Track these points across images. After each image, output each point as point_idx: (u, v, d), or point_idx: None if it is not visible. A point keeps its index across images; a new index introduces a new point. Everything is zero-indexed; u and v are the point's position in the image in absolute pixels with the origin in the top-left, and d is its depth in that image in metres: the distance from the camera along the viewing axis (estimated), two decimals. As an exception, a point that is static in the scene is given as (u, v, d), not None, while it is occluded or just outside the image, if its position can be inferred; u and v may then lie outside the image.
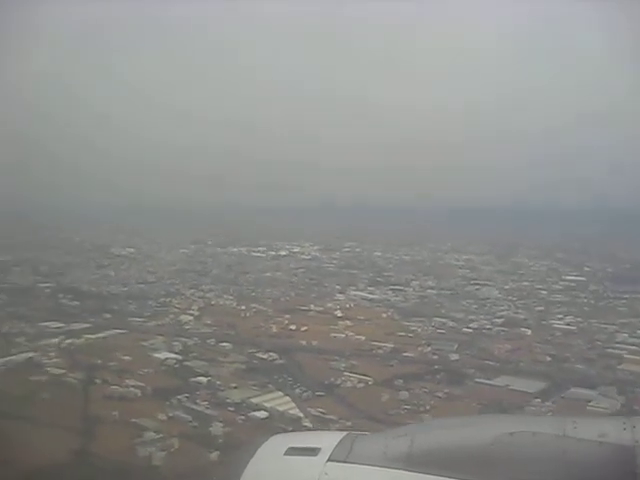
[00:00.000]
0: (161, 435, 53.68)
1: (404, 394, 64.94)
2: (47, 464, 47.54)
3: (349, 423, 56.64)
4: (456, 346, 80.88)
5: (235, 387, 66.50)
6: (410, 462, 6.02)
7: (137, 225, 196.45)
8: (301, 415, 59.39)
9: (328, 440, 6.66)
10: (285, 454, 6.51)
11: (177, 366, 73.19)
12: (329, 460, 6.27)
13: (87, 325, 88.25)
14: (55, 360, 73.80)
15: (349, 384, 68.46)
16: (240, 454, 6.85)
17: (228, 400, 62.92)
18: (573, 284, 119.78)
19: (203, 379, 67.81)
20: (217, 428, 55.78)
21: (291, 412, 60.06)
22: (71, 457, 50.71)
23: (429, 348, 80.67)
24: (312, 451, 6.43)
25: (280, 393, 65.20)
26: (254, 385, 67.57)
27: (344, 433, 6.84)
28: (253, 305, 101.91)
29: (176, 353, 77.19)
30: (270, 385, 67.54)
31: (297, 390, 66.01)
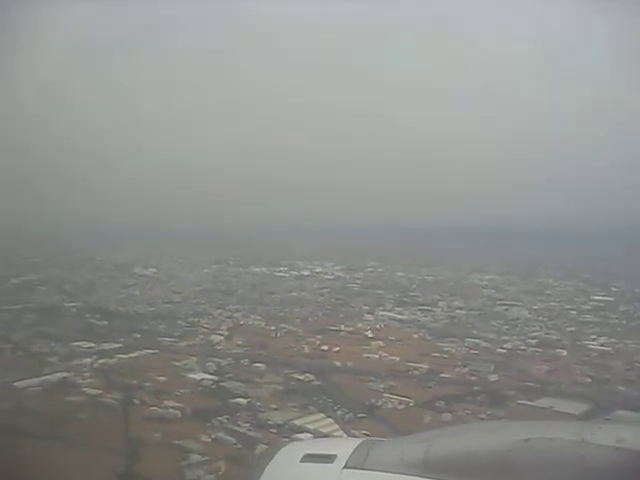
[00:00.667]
0: (207, 458, 52.67)
1: (447, 416, 63.64)
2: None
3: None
4: (493, 367, 79.74)
5: (275, 409, 65.44)
6: (427, 468, 5.98)
7: (154, 245, 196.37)
8: (347, 436, 58.06)
9: (344, 447, 6.67)
10: (301, 461, 6.48)
11: (214, 387, 72.32)
12: (345, 467, 6.24)
13: (118, 345, 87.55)
14: (90, 380, 73.08)
15: (390, 405, 67.37)
16: (256, 461, 6.92)
17: (270, 422, 61.90)
18: (602, 304, 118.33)
19: (242, 400, 66.86)
20: (262, 449, 54.56)
21: (335, 434, 58.83)
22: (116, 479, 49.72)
23: (466, 369, 79.51)
24: (328, 458, 6.39)
25: (322, 415, 64.12)
26: (294, 407, 66.52)
27: (360, 439, 6.86)
28: (282, 325, 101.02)
29: (211, 374, 76.32)
30: (311, 407, 66.35)
31: (339, 412, 64.82)
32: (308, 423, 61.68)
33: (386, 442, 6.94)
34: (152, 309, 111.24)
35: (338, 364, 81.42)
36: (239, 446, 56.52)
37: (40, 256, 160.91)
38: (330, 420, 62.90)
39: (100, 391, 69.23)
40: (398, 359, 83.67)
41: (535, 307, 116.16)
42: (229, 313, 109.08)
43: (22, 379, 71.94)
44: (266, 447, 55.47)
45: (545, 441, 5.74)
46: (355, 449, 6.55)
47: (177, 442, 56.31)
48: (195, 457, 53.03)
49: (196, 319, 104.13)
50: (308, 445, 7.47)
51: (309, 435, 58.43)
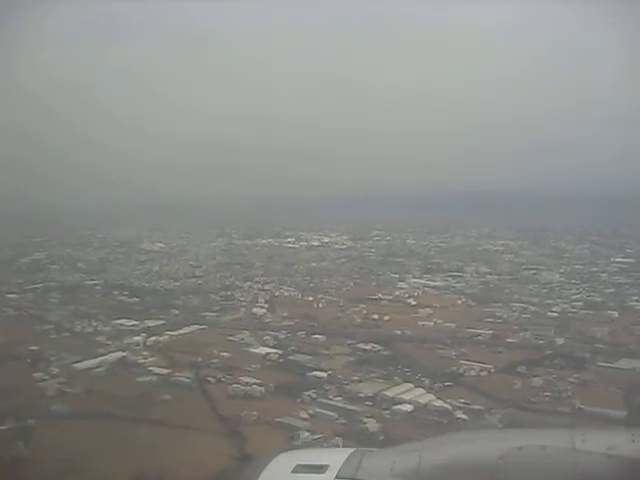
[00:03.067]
0: (321, 434, 49.95)
1: (537, 381, 62.20)
2: (218, 471, 43.58)
3: (498, 415, 54.07)
4: (553, 330, 78.55)
5: (360, 381, 63.07)
6: (419, 478, 5.91)
7: (152, 221, 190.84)
8: (447, 407, 56.18)
9: (336, 457, 6.56)
10: (293, 471, 6.41)
11: (282, 361, 69.54)
12: (337, 477, 6.20)
13: (161, 322, 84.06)
14: (151, 359, 69.73)
15: (472, 373, 65.47)
16: (248, 472, 6.78)
17: (361, 394, 59.53)
18: (626, 266, 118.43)
19: (321, 374, 64.26)
20: (372, 424, 52.30)
21: (436, 404, 56.89)
22: (235, 463, 46.70)
23: (527, 333, 78.10)
24: (320, 468, 6.34)
25: (410, 385, 61.96)
26: (377, 377, 64.26)
27: (351, 450, 6.73)
28: (319, 296, 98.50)
29: (273, 348, 73.42)
30: (395, 377, 64.14)
31: (426, 381, 62.72)
32: (401, 394, 59.51)
33: (377, 452, 6.90)
34: (178, 284, 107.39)
35: (398, 332, 79.20)
36: (342, 421, 53.96)
37: (42, 235, 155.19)
38: (421, 390, 60.78)
39: (168, 370, 65.78)
40: (454, 325, 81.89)
41: (561, 270, 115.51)
42: (259, 285, 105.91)
43: (79, 360, 68.22)
44: (374, 421, 53.58)
45: (537, 449, 5.71)
46: (347, 459, 6.47)
47: (278, 420, 53.50)
48: (305, 435, 50.21)
49: (229, 292, 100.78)
50: (300, 455, 7.33)
51: (409, 406, 56.62)
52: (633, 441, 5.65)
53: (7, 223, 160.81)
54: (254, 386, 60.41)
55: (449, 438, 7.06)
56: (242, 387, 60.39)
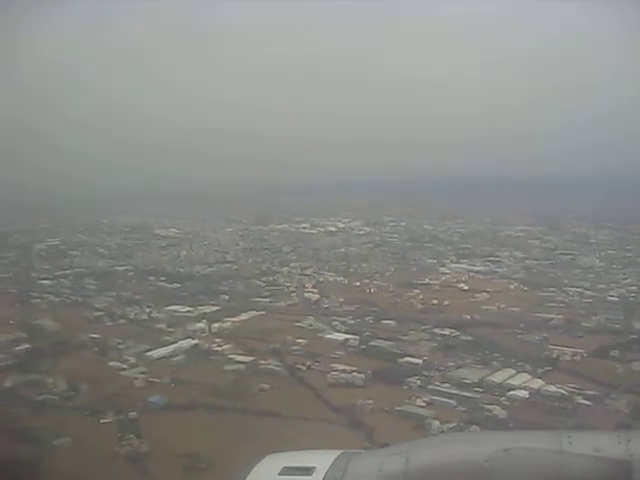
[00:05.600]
0: (455, 423, 46.99)
1: (638, 365, 60.15)
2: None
3: (623, 400, 51.94)
4: (622, 314, 76.94)
5: (457, 367, 60.24)
6: None
7: (155, 206, 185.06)
8: (563, 392, 53.71)
9: (323, 459, 6.45)
10: (280, 474, 6.33)
11: (364, 347, 66.37)
12: None
13: (216, 308, 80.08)
14: (226, 347, 65.85)
15: (567, 357, 63.20)
16: (234, 474, 6.72)
17: (466, 381, 56.76)
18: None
19: (416, 360, 61.21)
20: (499, 411, 49.58)
21: (550, 390, 54.41)
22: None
23: (600, 318, 76.18)
24: (307, 471, 6.27)
25: (512, 370, 59.40)
26: (473, 363, 61.58)
27: (339, 452, 6.61)
28: (365, 281, 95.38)
29: (347, 333, 70.21)
30: (494, 362, 61.49)
31: (526, 366, 60.21)
32: (507, 380, 56.94)
33: (365, 454, 6.72)
34: (213, 269, 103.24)
35: (467, 317, 76.63)
36: (462, 408, 51.09)
37: (45, 222, 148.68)
38: (526, 375, 58.28)
39: (251, 357, 61.98)
40: (519, 310, 79.68)
41: (597, 256, 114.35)
42: (297, 270, 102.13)
43: (150, 349, 64.08)
44: (499, 407, 50.80)
45: (524, 450, 5.68)
46: (334, 462, 6.34)
47: (398, 409, 50.35)
48: (435, 424, 47.21)
49: (270, 278, 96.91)
50: (287, 458, 6.87)
51: (525, 392, 54.14)
52: (619, 442, 5.60)
53: (8, 209, 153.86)
54: (354, 374, 57.09)
55: (436, 440, 7.00)
56: (341, 375, 57.05)
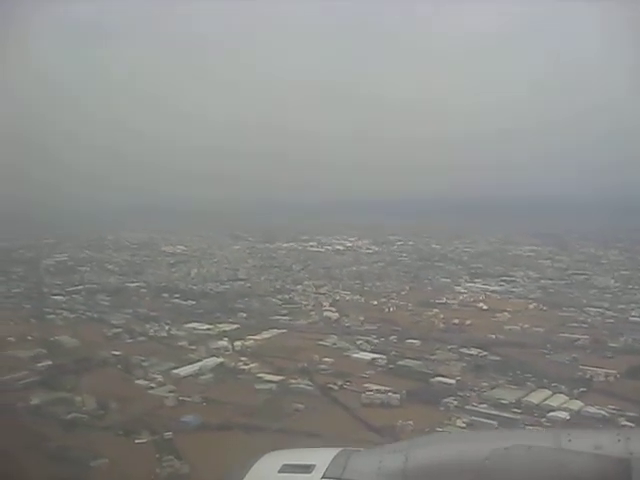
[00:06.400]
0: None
1: (676, 387, 59.13)
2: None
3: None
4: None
5: (491, 387, 59.09)
6: (405, 478, 5.83)
7: (158, 224, 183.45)
8: (604, 413, 52.59)
9: (322, 457, 6.45)
10: (279, 471, 6.29)
11: (392, 366, 65.13)
12: (324, 477, 6.13)
13: (235, 326, 78.73)
14: (252, 365, 64.38)
15: (601, 378, 62.14)
16: (234, 472, 6.62)
17: (503, 401, 55.61)
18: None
19: (449, 380, 60.02)
20: (544, 433, 48.24)
21: (590, 411, 53.28)
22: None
23: (627, 338, 75.29)
24: (306, 468, 6.25)
25: (547, 391, 58.29)
26: (507, 384, 60.46)
27: (338, 449, 6.64)
28: (383, 300, 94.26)
29: (373, 352, 69.02)
30: (528, 383, 60.37)
31: (561, 387, 59.10)
32: (544, 400, 55.84)
33: (364, 452, 6.69)
34: (226, 287, 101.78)
35: (492, 337, 75.58)
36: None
37: (50, 237, 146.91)
38: (563, 396, 57.17)
39: (280, 377, 60.57)
40: (542, 329, 78.72)
41: (612, 276, 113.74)
42: (312, 289, 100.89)
43: (175, 367, 62.61)
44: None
45: (523, 449, 5.62)
46: (333, 459, 6.34)
47: (439, 430, 48.95)
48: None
49: (286, 296, 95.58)
50: (286, 455, 6.84)
51: (565, 413, 53.03)
52: (619, 440, 5.54)
53: (10, 225, 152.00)
54: (389, 394, 55.77)
55: (436, 438, 6.85)
56: (376, 395, 55.72)
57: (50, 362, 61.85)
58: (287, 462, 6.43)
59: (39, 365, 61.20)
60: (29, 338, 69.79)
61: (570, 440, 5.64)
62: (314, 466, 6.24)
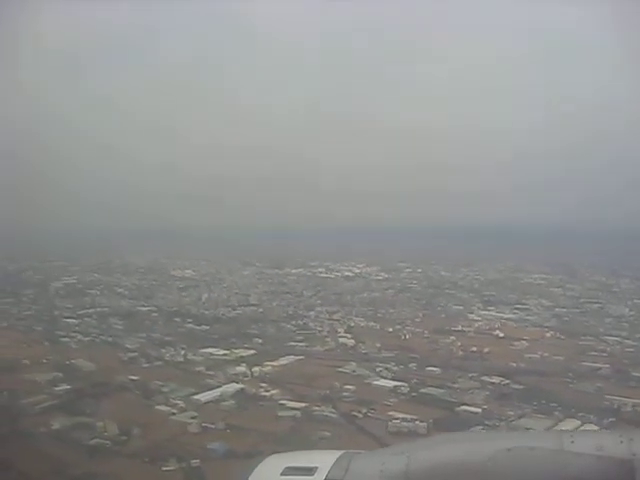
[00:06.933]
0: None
1: None
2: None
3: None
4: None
5: (519, 417, 57.91)
6: None
7: (161, 248, 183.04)
8: None
9: (325, 459, 6.41)
10: (282, 474, 6.26)
11: (414, 394, 63.99)
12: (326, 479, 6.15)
13: (252, 351, 77.63)
14: (273, 392, 63.13)
15: (628, 408, 61.03)
16: (237, 474, 6.71)
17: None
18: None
19: (474, 409, 58.92)
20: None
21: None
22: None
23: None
24: (309, 471, 6.21)
25: (577, 421, 57.01)
26: (533, 413, 59.36)
27: (340, 452, 6.55)
28: (397, 327, 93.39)
29: (394, 380, 67.93)
30: (556, 413, 59.26)
31: (590, 417, 57.97)
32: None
33: (366, 454, 6.64)
34: (238, 312, 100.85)
35: (513, 365, 74.57)
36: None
37: (57, 260, 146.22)
38: (593, 426, 55.80)
39: (303, 404, 59.40)
40: (562, 358, 77.81)
41: (626, 305, 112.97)
42: (326, 315, 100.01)
43: (195, 393, 61.44)
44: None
45: (526, 450, 5.63)
46: (336, 462, 6.23)
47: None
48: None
49: (300, 322, 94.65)
50: (289, 458, 6.80)
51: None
52: (621, 442, 5.45)
53: (14, 248, 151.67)
54: (416, 422, 54.61)
55: (438, 439, 6.67)
56: (403, 423, 54.53)
57: (68, 386, 60.67)
58: (290, 465, 6.44)
59: (57, 389, 60.02)
60: (44, 361, 68.75)
61: (573, 441, 5.63)
62: (316, 469, 6.22)
